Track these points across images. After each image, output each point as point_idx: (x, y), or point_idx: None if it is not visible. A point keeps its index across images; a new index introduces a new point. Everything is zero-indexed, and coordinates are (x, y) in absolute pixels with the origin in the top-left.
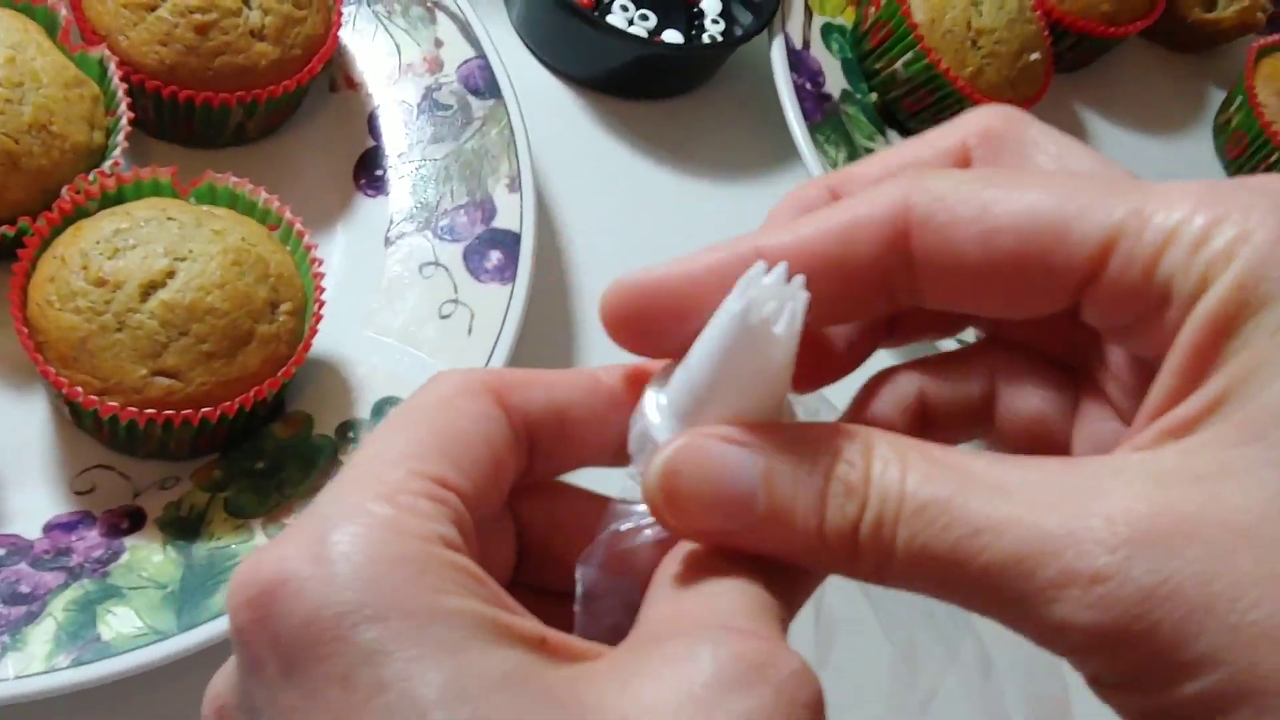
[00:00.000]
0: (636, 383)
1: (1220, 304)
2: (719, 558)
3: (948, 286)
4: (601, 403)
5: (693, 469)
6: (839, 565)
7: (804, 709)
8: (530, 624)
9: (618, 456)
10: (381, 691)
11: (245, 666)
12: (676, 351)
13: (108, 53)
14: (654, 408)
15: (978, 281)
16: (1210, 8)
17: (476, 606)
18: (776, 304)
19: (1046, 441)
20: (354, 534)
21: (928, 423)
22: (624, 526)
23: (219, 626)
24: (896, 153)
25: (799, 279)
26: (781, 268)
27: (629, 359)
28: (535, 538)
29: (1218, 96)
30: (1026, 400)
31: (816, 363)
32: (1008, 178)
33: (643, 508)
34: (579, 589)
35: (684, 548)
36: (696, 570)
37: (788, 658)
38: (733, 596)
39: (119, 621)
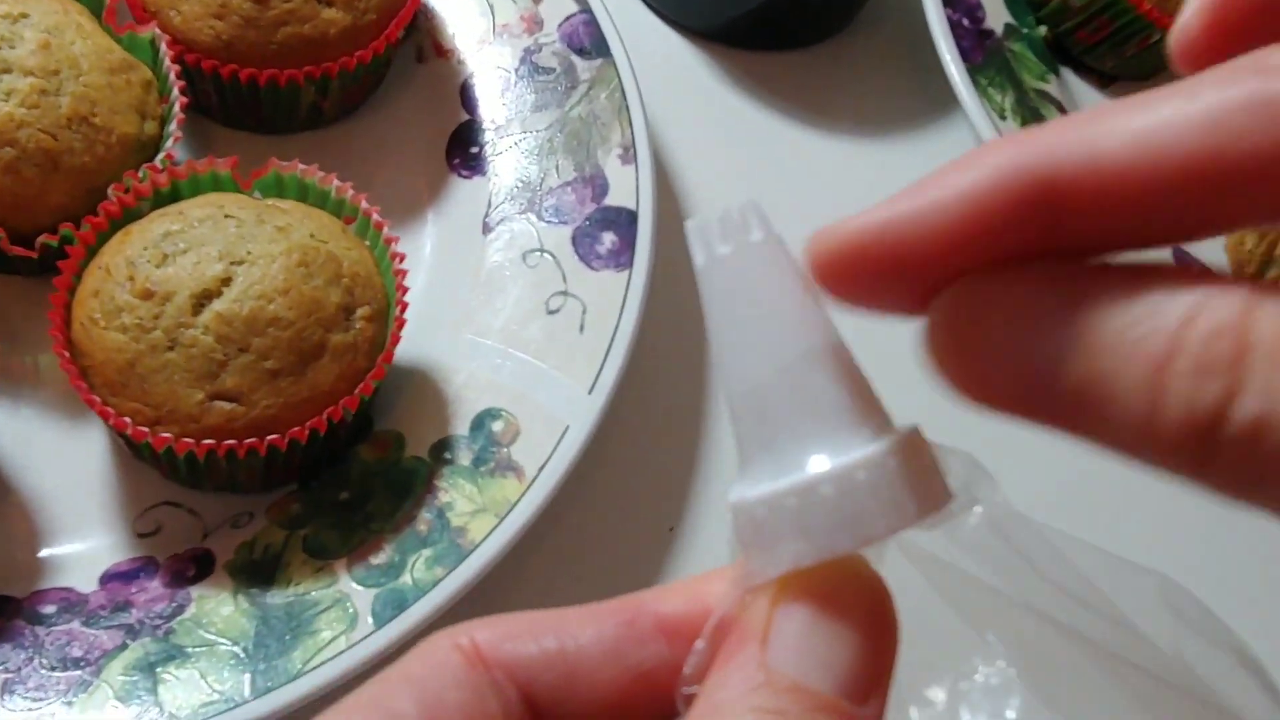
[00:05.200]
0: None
1: None
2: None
3: None
4: (628, 641)
5: (973, 318)
6: (1173, 463)
7: None
8: None
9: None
10: None
11: None
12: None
13: (158, 31)
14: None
15: None
16: None
17: None
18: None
19: None
20: None
21: None
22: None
23: (298, 690)
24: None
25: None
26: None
27: None
28: None
29: None
30: None
31: None
32: None
33: None
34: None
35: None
36: None
37: None
38: None
39: (183, 688)
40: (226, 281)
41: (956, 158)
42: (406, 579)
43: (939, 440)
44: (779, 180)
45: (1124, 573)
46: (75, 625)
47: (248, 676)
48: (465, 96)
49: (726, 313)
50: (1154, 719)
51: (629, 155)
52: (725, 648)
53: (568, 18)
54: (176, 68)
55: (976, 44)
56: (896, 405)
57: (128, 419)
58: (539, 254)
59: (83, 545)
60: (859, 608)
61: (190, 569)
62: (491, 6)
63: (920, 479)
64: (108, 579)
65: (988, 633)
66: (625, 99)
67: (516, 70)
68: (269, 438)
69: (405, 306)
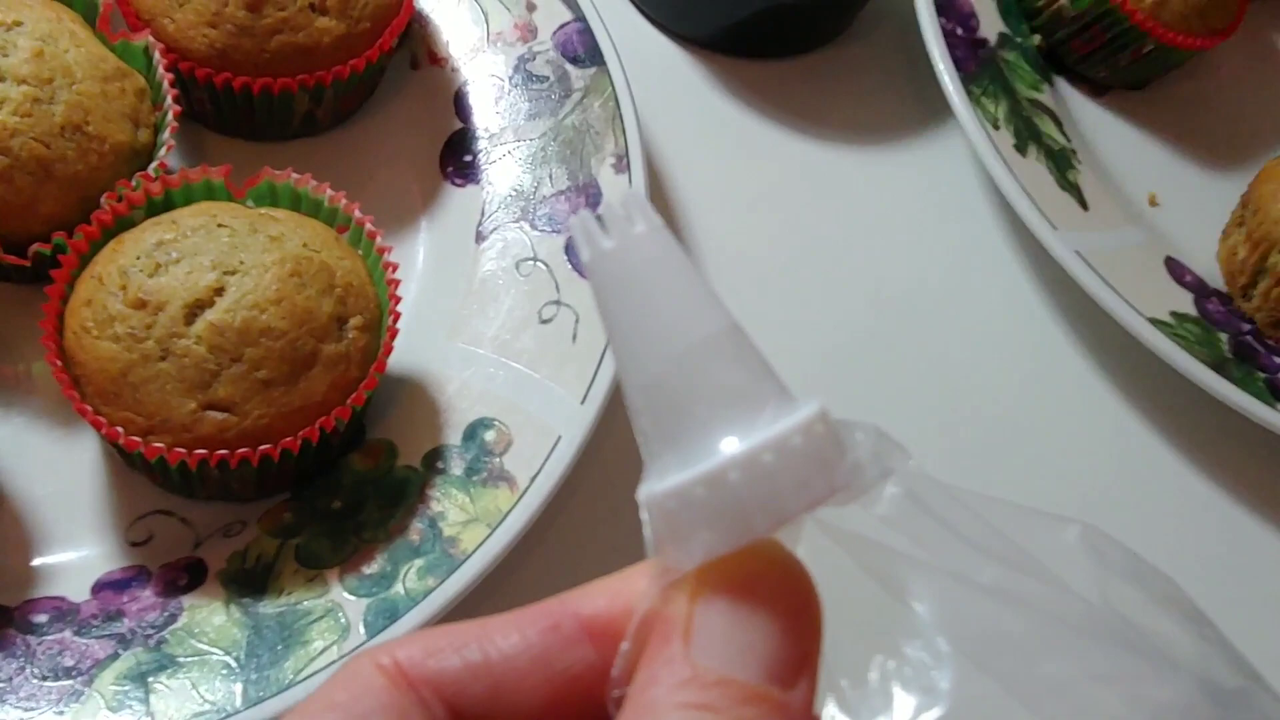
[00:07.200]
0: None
1: None
2: None
3: None
4: (553, 646)
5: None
6: None
7: None
8: None
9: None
10: None
11: None
12: None
13: (152, 39)
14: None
15: None
16: None
17: None
18: (609, 215)
19: None
20: None
21: None
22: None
23: (289, 700)
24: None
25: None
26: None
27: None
28: None
29: None
30: None
31: None
32: None
33: None
34: None
35: None
36: None
37: None
38: None
39: (174, 697)
40: (219, 291)
41: None
42: (398, 589)
43: (845, 415)
44: (772, 188)
45: (1045, 526)
46: (67, 634)
47: (239, 686)
48: (459, 105)
49: (618, 307)
50: (1087, 672)
51: (622, 164)
52: (650, 646)
53: (562, 26)
54: (170, 76)
55: (970, 53)
56: (798, 383)
57: (120, 429)
58: (532, 263)
59: (75, 554)
60: (778, 592)
61: (182, 578)
62: (486, 14)
63: (827, 455)
64: (100, 588)
65: (915, 604)
66: (619, 108)
67: (510, 78)
68: (261, 447)
69: (398, 316)
